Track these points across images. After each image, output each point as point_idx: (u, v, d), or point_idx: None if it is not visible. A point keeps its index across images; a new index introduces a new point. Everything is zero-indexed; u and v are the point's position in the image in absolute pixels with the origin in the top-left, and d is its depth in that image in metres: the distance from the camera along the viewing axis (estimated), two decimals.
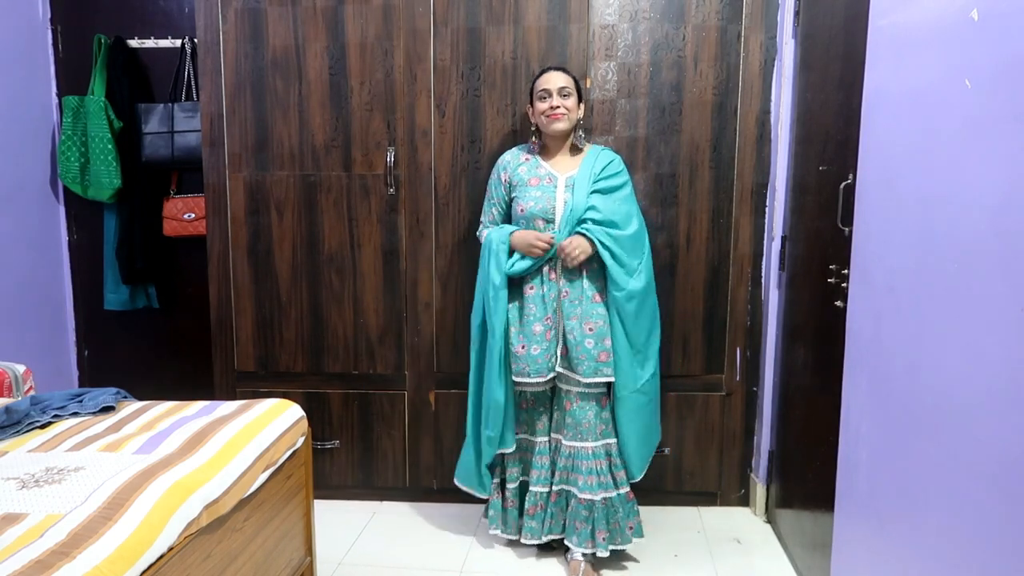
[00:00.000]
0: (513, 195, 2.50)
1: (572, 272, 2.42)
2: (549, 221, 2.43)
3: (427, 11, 2.75)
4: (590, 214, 2.37)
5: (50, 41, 3.33)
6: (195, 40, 3.01)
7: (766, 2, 2.69)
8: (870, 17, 1.79)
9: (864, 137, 1.82)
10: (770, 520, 2.81)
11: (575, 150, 2.52)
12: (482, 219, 2.60)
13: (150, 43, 3.28)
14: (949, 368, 1.39)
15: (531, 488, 2.51)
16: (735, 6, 2.70)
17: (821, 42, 2.34)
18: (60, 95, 3.33)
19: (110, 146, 3.19)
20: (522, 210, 2.45)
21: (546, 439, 2.52)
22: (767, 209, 2.78)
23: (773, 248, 2.74)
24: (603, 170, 2.45)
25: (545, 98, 2.43)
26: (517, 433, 2.52)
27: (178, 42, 3.25)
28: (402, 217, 2.86)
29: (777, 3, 2.69)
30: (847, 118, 2.02)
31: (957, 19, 1.38)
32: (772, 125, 2.75)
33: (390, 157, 2.83)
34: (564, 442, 2.47)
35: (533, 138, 2.54)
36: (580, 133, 2.52)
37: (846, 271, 1.94)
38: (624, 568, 2.52)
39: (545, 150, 2.54)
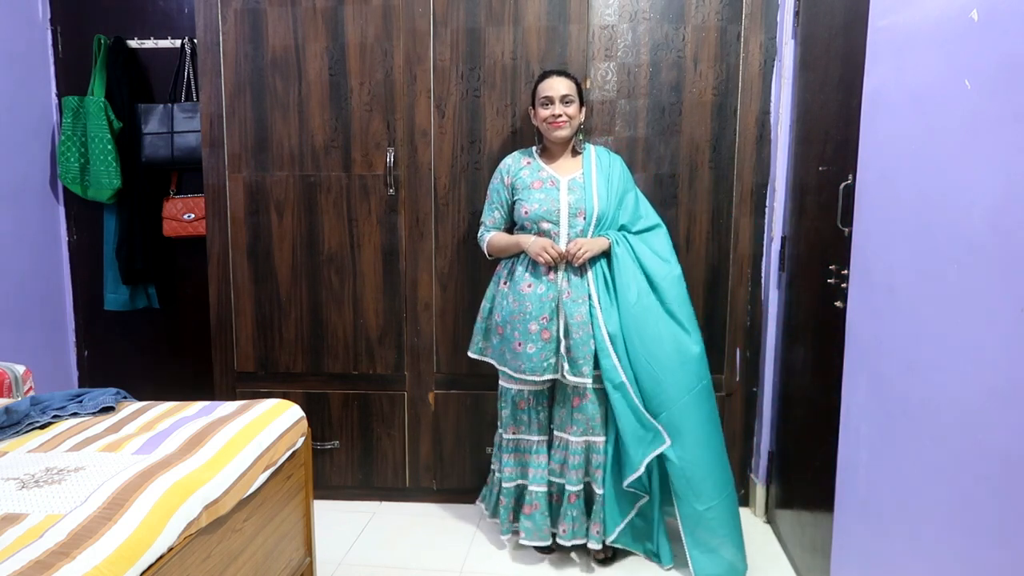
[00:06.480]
0: (516, 198, 2.50)
1: (574, 273, 2.42)
2: (553, 223, 2.44)
3: (427, 11, 2.75)
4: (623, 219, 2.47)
5: (50, 41, 3.33)
6: (195, 40, 3.01)
7: (766, 2, 2.69)
8: (870, 17, 1.79)
9: (864, 137, 1.82)
10: (770, 520, 2.81)
11: (575, 152, 2.54)
12: (483, 221, 2.60)
13: (150, 43, 3.27)
14: (949, 368, 1.39)
15: (531, 488, 2.51)
16: (735, 6, 2.70)
17: (821, 42, 2.33)
18: (60, 95, 3.33)
19: (110, 146, 3.19)
20: (526, 212, 2.46)
21: (544, 438, 2.53)
22: (767, 209, 2.78)
23: (773, 248, 2.74)
24: (620, 176, 2.51)
25: (547, 105, 2.45)
26: (515, 433, 2.53)
27: (178, 42, 3.25)
28: (402, 217, 2.86)
29: (777, 3, 2.69)
30: (847, 118, 2.02)
31: (957, 19, 1.38)
32: (772, 125, 2.75)
33: (390, 157, 2.83)
34: (572, 438, 2.47)
35: (536, 139, 2.56)
36: (580, 136, 2.54)
37: (846, 271, 1.94)
38: (623, 568, 2.52)
39: (546, 152, 2.55)
